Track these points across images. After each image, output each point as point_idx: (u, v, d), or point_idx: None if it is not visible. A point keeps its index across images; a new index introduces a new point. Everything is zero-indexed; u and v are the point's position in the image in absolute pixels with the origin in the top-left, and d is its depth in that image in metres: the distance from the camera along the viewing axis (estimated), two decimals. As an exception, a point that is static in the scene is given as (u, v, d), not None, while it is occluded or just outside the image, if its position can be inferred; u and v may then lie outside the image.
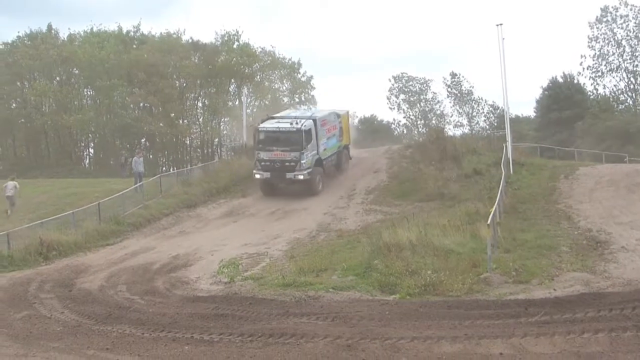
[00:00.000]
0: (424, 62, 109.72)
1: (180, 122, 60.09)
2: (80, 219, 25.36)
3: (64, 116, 55.54)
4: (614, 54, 60.48)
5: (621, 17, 59.77)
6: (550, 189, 28.02)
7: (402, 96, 74.64)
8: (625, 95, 61.72)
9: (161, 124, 57.60)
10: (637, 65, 60.23)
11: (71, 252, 22.69)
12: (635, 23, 59.50)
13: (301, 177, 30.02)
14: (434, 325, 12.48)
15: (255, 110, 58.42)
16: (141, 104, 59.01)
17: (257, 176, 30.63)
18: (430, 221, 21.21)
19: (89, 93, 60.72)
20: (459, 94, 72.49)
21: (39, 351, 12.53)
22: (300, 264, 18.04)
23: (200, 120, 62.20)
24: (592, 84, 61.42)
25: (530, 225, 21.75)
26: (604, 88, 61.37)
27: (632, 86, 60.90)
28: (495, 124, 63.39)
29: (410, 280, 15.40)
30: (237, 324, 13.43)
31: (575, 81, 60.80)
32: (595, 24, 60.54)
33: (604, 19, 60.27)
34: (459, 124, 72.33)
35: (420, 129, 72.10)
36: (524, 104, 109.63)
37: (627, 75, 60.68)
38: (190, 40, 60.79)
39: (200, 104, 62.64)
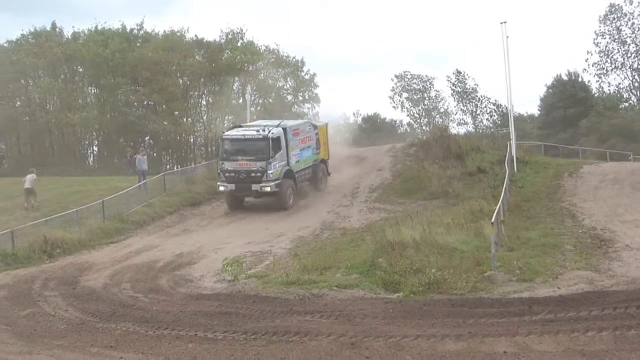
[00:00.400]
0: (423, 62, 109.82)
1: (184, 120, 60.16)
2: (84, 216, 25.38)
3: (68, 114, 55.63)
4: (618, 51, 60.39)
5: (626, 14, 59.70)
6: (554, 187, 28.03)
7: (405, 94, 74.63)
8: (630, 94, 61.65)
9: (165, 122, 57.63)
10: (642, 63, 60.18)
11: (75, 250, 22.71)
12: (640, 21, 59.39)
13: (268, 188, 27.47)
14: (437, 324, 12.48)
15: (259, 108, 58.45)
16: (145, 102, 59.08)
17: (221, 188, 28.30)
18: (434, 219, 21.20)
19: (93, 91, 60.79)
20: (462, 92, 72.31)
21: (43, 349, 12.56)
22: (304, 262, 18.01)
23: (204, 118, 62.21)
24: (597, 82, 61.45)
25: (534, 223, 21.74)
26: (609, 86, 61.37)
27: (636, 84, 60.77)
28: (499, 122, 63.32)
29: (414, 279, 15.39)
30: (241, 321, 13.44)
31: (580, 79, 60.79)
32: (604, 20, 60.43)
33: (611, 16, 60.13)
34: (462, 122, 72.27)
35: (423, 127, 72.03)
36: (527, 102, 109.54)
37: (631, 73, 60.60)
38: (195, 38, 60.90)
39: (204, 102, 62.71)
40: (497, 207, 19.55)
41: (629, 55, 60.15)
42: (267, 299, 15.20)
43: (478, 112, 72.38)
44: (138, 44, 60.36)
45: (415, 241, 18.08)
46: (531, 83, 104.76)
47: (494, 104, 70.46)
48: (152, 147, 58.99)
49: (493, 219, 17.53)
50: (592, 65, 60.82)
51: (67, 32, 61.44)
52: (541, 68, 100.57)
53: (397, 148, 39.12)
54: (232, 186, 27.87)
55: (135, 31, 61.69)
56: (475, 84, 71.96)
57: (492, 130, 58.35)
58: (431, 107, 74.49)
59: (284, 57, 63.86)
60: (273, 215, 27.46)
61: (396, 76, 74.60)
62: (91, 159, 62.42)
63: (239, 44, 61.12)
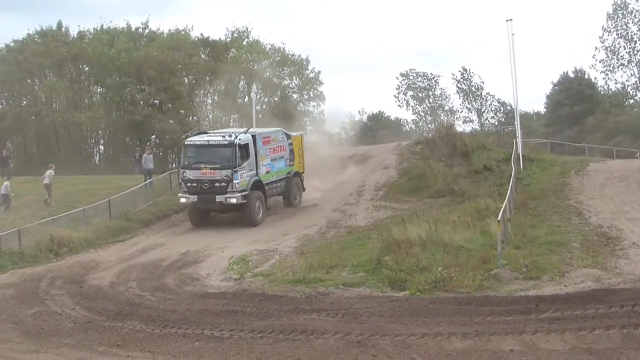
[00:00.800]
0: (423, 62, 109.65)
1: (190, 119, 60.13)
2: (90, 215, 25.44)
3: (74, 113, 55.71)
4: (625, 48, 60.20)
5: (631, 12, 59.50)
6: (560, 184, 27.96)
7: (410, 93, 74.53)
8: (636, 91, 61.49)
9: (171, 121, 57.65)
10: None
11: (82, 249, 22.76)
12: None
13: (234, 200, 24.85)
14: (444, 322, 12.47)
15: (265, 107, 58.43)
16: (151, 101, 59.15)
17: (182, 200, 25.89)
18: (440, 217, 21.21)
19: (99, 90, 60.89)
20: (468, 89, 72.19)
21: (50, 347, 12.62)
22: (310, 261, 18.03)
23: (210, 117, 62.17)
24: (603, 79, 61.25)
25: (540, 221, 21.69)
26: (615, 83, 61.21)
27: (642, 81, 60.67)
28: (504, 120, 63.20)
29: (421, 277, 15.39)
30: (247, 320, 13.46)
31: (587, 76, 60.60)
32: (612, 17, 60.21)
33: (619, 12, 59.91)
34: (468, 119, 72.16)
35: (429, 125, 71.93)
36: (533, 99, 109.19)
37: (638, 71, 60.38)
38: (200, 37, 60.91)
39: (209, 101, 62.74)
40: (504, 205, 19.52)
41: (635, 52, 59.99)
42: (273, 297, 15.22)
43: (484, 109, 72.34)
44: (143, 43, 60.42)
45: (421, 239, 18.07)
46: (537, 80, 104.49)
47: (499, 102, 70.45)
48: (158, 146, 59.00)
49: (499, 217, 17.51)
50: (599, 62, 60.79)
51: (73, 32, 61.44)
52: (547, 65, 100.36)
53: (402, 146, 38.98)
54: (194, 197, 25.32)
55: (141, 30, 61.79)
56: (481, 82, 72.01)
57: (497, 128, 58.29)
58: (436, 105, 74.43)
59: (290, 56, 63.87)
60: (278, 213, 27.45)
61: (401, 74, 74.71)
62: (97, 157, 62.52)
63: (244, 43, 61.12)
